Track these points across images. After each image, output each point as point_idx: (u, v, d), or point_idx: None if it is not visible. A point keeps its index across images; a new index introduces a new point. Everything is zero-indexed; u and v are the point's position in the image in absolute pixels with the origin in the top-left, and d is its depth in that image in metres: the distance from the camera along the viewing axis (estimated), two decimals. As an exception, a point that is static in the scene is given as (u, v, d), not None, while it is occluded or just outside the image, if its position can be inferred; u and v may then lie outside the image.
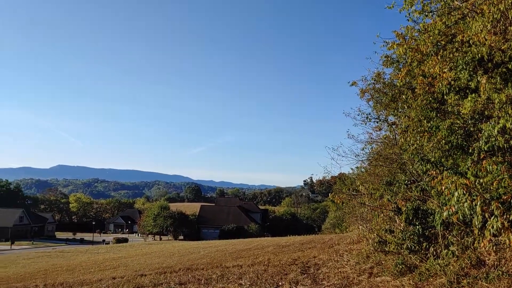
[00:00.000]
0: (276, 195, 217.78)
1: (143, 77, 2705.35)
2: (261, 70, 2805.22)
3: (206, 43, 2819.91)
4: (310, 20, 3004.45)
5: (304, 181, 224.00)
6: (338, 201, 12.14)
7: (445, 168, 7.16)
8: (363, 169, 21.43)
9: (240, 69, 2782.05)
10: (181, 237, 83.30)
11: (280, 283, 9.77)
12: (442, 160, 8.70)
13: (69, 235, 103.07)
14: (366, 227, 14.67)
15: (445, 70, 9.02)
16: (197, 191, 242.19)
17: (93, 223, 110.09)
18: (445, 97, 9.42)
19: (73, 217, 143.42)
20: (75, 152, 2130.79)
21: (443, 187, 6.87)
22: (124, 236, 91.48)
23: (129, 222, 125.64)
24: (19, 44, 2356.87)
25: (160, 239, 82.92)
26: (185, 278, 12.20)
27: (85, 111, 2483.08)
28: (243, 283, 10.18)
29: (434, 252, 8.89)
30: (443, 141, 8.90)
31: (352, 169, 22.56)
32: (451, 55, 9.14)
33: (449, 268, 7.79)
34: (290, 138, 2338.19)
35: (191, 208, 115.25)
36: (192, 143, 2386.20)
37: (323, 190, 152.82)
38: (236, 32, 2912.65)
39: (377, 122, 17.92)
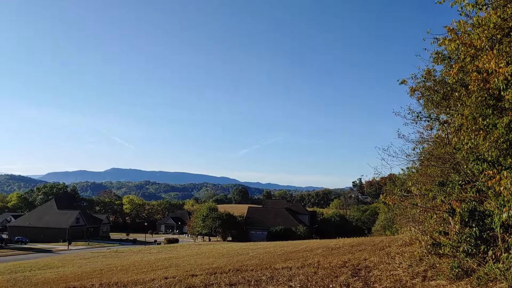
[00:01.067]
0: (324, 196, 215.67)
1: (194, 82, 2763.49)
2: (306, 72, 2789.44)
3: (251, 46, 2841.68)
4: (355, 20, 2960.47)
5: (353, 182, 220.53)
6: (390, 202, 11.89)
7: (503, 168, 6.87)
8: (414, 170, 20.86)
9: (285, 72, 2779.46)
10: (229, 238, 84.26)
11: (330, 286, 9.69)
12: (500, 159, 8.33)
13: (122, 235, 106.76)
14: (419, 229, 14.26)
15: (502, 65, 8.62)
16: (244, 192, 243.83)
17: (145, 224, 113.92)
18: (502, 93, 9.01)
19: (126, 218, 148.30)
20: (127, 156, 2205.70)
21: (502, 188, 6.60)
22: (174, 236, 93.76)
23: (179, 223, 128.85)
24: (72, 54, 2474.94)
25: (209, 240, 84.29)
26: (235, 279, 12.35)
27: (138, 116, 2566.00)
28: (293, 285, 10.18)
29: (493, 256, 8.52)
30: (501, 139, 8.52)
31: (402, 169, 22.03)
32: (507, 49, 8.74)
33: (510, 272, 7.45)
34: (338, 139, 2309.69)
35: (239, 209, 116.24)
36: (239, 145, 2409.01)
37: (372, 191, 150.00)
38: (281, 35, 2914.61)
39: (428, 121, 17.34)
